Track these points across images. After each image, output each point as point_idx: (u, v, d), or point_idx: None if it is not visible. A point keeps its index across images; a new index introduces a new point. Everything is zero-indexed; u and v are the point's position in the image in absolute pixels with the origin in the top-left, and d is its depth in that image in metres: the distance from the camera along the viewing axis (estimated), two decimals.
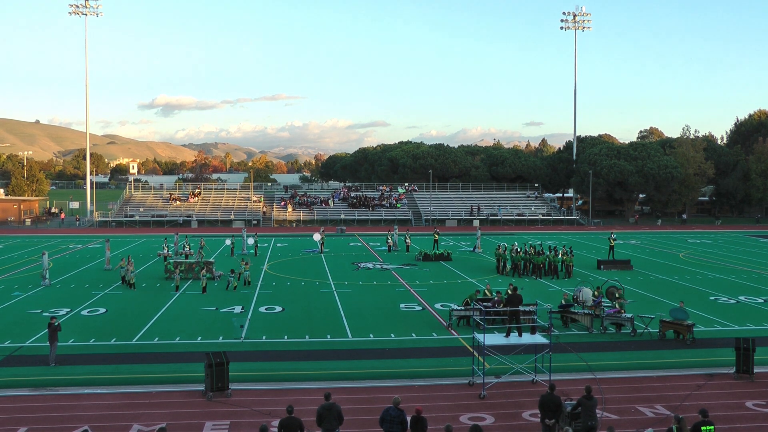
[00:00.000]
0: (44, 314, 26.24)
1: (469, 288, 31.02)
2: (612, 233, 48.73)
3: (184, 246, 43.43)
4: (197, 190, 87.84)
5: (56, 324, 19.91)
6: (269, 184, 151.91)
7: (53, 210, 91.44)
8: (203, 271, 32.65)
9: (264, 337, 22.89)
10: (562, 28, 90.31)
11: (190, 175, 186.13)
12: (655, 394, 17.20)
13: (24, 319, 25.49)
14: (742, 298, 30.86)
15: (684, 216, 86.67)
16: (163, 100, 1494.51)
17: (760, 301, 30.16)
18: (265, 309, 27.73)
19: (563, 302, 25.13)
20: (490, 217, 79.88)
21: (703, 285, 34.53)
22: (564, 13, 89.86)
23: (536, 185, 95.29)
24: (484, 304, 21.63)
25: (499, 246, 40.38)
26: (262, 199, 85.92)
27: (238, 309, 27.63)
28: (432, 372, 18.98)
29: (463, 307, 24.56)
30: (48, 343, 19.74)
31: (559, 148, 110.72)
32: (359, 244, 55.71)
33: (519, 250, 38.99)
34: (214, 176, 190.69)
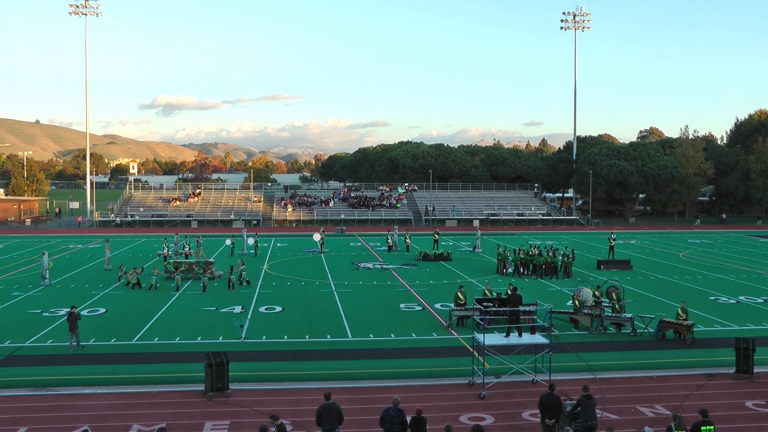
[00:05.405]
0: (44, 314, 26.29)
1: (469, 288, 31.02)
2: (612, 233, 48.75)
3: (184, 246, 43.44)
4: (197, 190, 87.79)
5: (76, 312, 21.20)
6: (269, 184, 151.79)
7: (56, 210, 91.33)
8: (203, 271, 32.67)
9: (264, 337, 22.89)
10: (562, 28, 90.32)
11: (190, 175, 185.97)
12: (655, 394, 17.20)
13: (24, 319, 25.48)
14: (742, 298, 30.86)
15: (723, 216, 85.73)
16: (163, 100, 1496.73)
17: (760, 301, 30.15)
18: (265, 309, 27.73)
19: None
20: (448, 218, 79.63)
21: (703, 285, 34.52)
22: (564, 13, 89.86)
23: (536, 185, 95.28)
24: (485, 303, 21.64)
25: (499, 247, 40.39)
26: (262, 199, 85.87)
27: (238, 309, 27.63)
28: (432, 372, 18.97)
29: (460, 307, 24.58)
30: (69, 332, 21.07)
31: (559, 148, 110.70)
32: (359, 244, 55.69)
33: (518, 250, 38.99)
34: (214, 176, 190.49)
